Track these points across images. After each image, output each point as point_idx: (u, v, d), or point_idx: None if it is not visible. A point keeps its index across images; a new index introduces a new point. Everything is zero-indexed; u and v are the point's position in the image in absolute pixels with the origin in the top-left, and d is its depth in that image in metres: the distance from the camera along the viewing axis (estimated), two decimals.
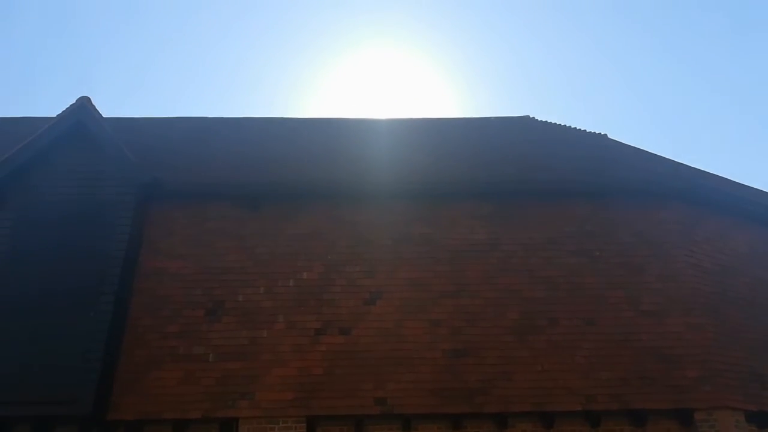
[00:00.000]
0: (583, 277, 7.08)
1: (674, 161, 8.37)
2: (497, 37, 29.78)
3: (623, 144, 9.19)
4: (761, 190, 7.91)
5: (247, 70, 30.29)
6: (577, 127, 9.80)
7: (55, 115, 7.98)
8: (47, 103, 28.72)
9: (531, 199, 7.52)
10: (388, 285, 6.95)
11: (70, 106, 7.86)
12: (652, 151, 8.78)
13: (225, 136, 9.49)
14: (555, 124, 10.20)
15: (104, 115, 8.11)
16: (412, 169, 8.02)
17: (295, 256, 7.12)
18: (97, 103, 8.82)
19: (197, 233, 7.24)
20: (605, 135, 9.43)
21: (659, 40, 28.56)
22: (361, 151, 8.83)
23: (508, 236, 7.30)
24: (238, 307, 6.79)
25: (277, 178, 7.73)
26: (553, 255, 7.20)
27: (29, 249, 6.96)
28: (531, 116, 10.58)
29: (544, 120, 10.40)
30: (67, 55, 29.56)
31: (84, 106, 7.79)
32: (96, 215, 7.18)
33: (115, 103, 29.26)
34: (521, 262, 7.14)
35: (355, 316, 6.77)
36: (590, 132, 9.64)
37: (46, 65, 28.60)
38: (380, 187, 7.51)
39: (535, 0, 27.99)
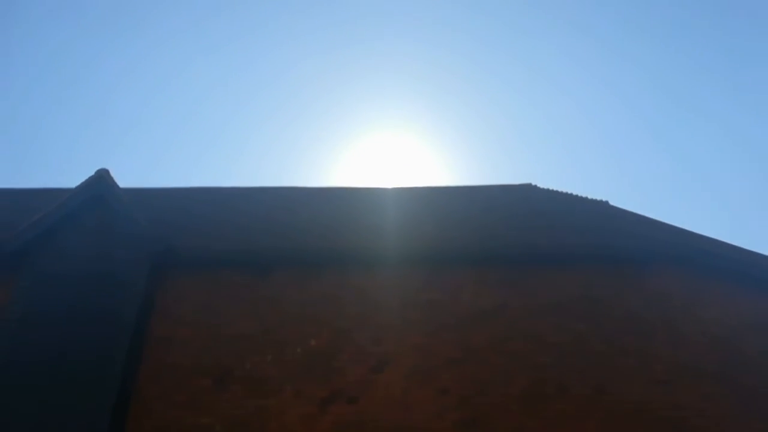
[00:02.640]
0: (592, 344, 7.06)
1: (677, 227, 8.52)
2: (496, 108, 30.80)
3: (625, 210, 9.38)
4: (766, 255, 7.98)
5: (257, 141, 31.27)
6: (578, 194, 10.03)
7: (74, 186, 8.31)
8: (70, 174, 29.56)
9: (536, 266, 7.62)
10: (396, 352, 6.95)
11: (89, 177, 8.19)
12: (653, 217, 8.94)
13: (237, 205, 9.76)
14: (557, 191, 10.45)
15: (123, 185, 8.44)
16: (418, 236, 8.20)
17: (304, 323, 7.17)
18: (117, 172, 9.17)
19: (208, 300, 7.34)
20: (606, 202, 9.64)
21: (658, 105, 29.44)
22: (368, 219, 9.05)
23: (514, 302, 7.35)
24: (246, 376, 6.78)
25: (286, 246, 7.91)
26: (560, 321, 7.21)
27: (43, 313, 7.07)
28: (533, 184, 10.85)
29: (546, 188, 10.66)
30: (90, 126, 30.69)
31: (102, 177, 8.12)
32: (110, 283, 7.33)
33: (135, 172, 30.05)
34: (528, 328, 7.15)
35: (363, 385, 6.73)
36: (592, 199, 9.86)
37: (67, 136, 29.67)
38: (387, 254, 7.65)
39: (529, 70, 29.16)
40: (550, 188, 10.61)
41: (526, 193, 10.49)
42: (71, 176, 31.04)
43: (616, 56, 28.79)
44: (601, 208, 9.52)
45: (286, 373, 6.82)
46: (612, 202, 9.76)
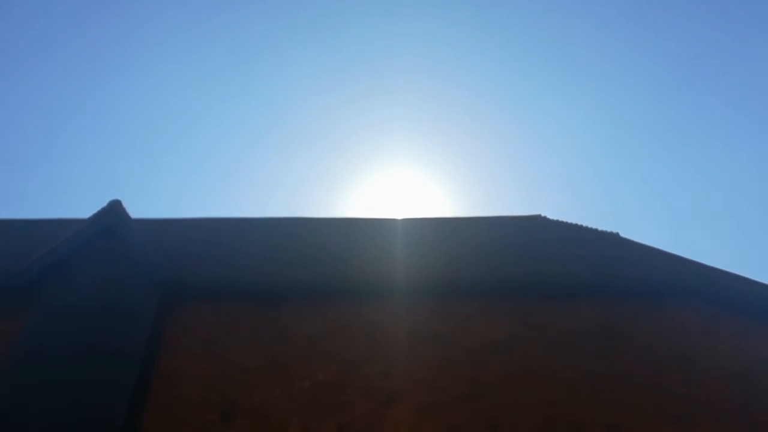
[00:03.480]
0: (605, 380, 6.91)
1: (690, 260, 8.42)
2: (504, 141, 30.94)
3: (636, 242, 9.30)
4: None
5: (267, 173, 31.54)
6: (588, 226, 9.98)
7: (87, 217, 8.40)
8: (83, 205, 29.91)
9: (548, 298, 7.54)
10: (405, 386, 6.84)
11: (102, 209, 8.29)
12: (664, 249, 8.85)
13: (246, 236, 9.80)
14: (567, 223, 10.40)
15: (135, 215, 8.52)
16: (427, 267, 8.16)
17: (312, 356, 7.10)
18: (129, 202, 9.29)
19: (216, 332, 7.31)
20: (617, 234, 9.57)
21: (670, 135, 29.43)
22: (378, 250, 9.03)
23: (525, 335, 7.25)
24: (253, 410, 6.70)
25: (295, 277, 7.89)
26: (572, 356, 7.09)
27: (51, 346, 7.06)
28: (542, 215, 10.82)
29: (555, 219, 10.62)
30: (104, 157, 31.16)
31: (114, 209, 8.21)
32: (119, 315, 7.34)
33: (147, 203, 30.34)
34: (539, 363, 7.03)
35: (371, 420, 6.61)
36: (602, 231, 9.79)
37: (80, 167, 30.11)
38: (397, 286, 7.61)
39: (537, 102, 29.35)
40: (560, 219, 10.57)
41: (536, 224, 10.45)
42: (84, 207, 31.39)
43: (628, 88, 28.96)
44: (612, 239, 9.45)
45: (293, 406, 6.73)
46: (622, 234, 9.68)
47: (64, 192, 29.29)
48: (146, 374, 6.96)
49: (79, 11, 28.03)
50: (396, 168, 29.74)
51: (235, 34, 29.89)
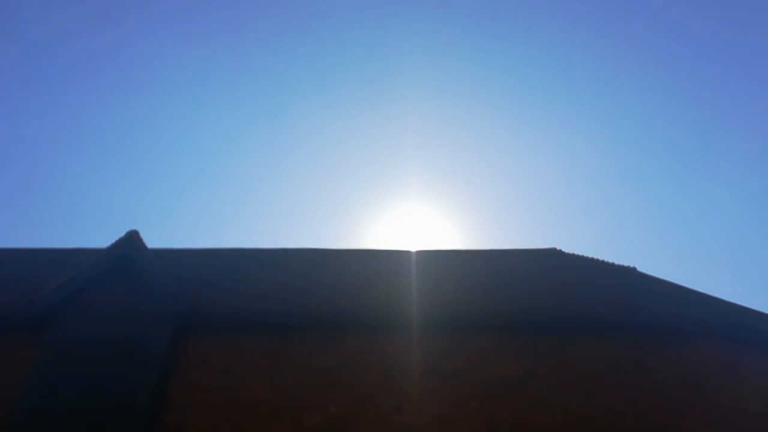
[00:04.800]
0: (623, 418, 6.73)
1: (709, 295, 8.26)
2: (517, 174, 30.99)
3: (653, 277, 9.16)
4: None
5: (284, 203, 31.86)
6: (604, 260, 9.87)
7: (104, 247, 8.52)
8: (101, 233, 30.40)
9: (563, 334, 7.42)
10: (418, 422, 6.72)
11: (119, 239, 8.41)
12: (683, 285, 8.70)
13: (260, 267, 9.84)
14: (582, 256, 10.31)
15: (152, 245, 8.62)
16: (441, 300, 8.10)
17: (324, 389, 7.03)
18: (145, 232, 9.43)
19: (228, 364, 7.29)
20: (634, 268, 9.45)
21: (689, 168, 29.24)
22: (392, 282, 9.00)
23: (540, 371, 7.11)
24: None
25: (309, 309, 7.88)
26: (589, 392, 6.93)
27: (65, 375, 7.08)
28: (558, 248, 10.73)
29: (571, 252, 10.52)
30: (122, 186, 31.78)
31: (131, 239, 8.32)
32: (133, 345, 7.36)
33: (164, 232, 30.72)
34: (555, 400, 6.88)
35: None
36: (618, 265, 9.68)
37: (98, 196, 30.70)
38: (409, 319, 7.55)
39: (552, 133, 29.46)
40: (576, 253, 10.48)
41: (552, 257, 10.37)
42: (103, 236, 31.85)
43: (647, 119, 29.00)
44: (630, 274, 9.32)
45: None
46: (639, 268, 9.55)
47: (82, 221, 29.79)
48: (158, 405, 6.93)
49: (96, 43, 29.03)
50: (410, 199, 29.86)
51: (254, 65, 30.64)
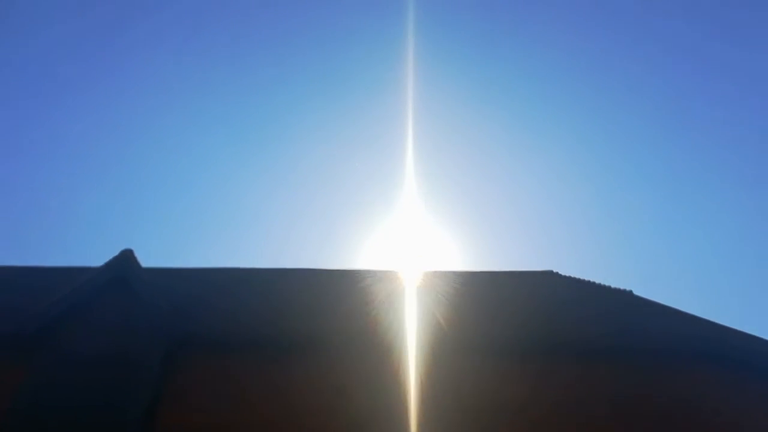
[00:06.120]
0: None
1: (706, 320, 8.23)
2: (512, 196, 31.13)
3: (650, 301, 9.14)
4: None
5: (281, 223, 31.85)
6: (601, 283, 9.85)
7: (99, 265, 8.46)
8: (96, 252, 30.25)
9: (559, 358, 7.36)
10: None
11: (113, 258, 8.35)
12: (680, 309, 8.69)
13: (256, 287, 9.77)
14: (579, 279, 10.29)
15: (147, 264, 8.56)
16: (435, 323, 8.04)
17: (321, 411, 6.93)
18: (141, 251, 9.37)
19: (223, 386, 7.19)
20: (630, 291, 9.43)
21: (686, 189, 29.43)
22: (387, 304, 8.95)
23: (537, 397, 7.04)
24: None
25: (304, 329, 7.81)
26: (586, 419, 6.85)
27: (58, 393, 6.97)
28: (554, 271, 10.72)
29: (567, 275, 10.51)
30: (116, 205, 31.72)
31: (126, 258, 8.26)
32: (126, 366, 7.27)
33: (159, 251, 30.58)
34: (552, 426, 6.79)
35: None
36: (615, 288, 9.66)
37: (93, 215, 30.61)
38: (405, 342, 7.49)
39: (550, 153, 29.67)
40: (572, 276, 10.47)
41: (548, 280, 10.35)
42: (96, 255, 31.67)
43: (645, 142, 29.26)
44: (626, 298, 9.30)
45: None
46: (636, 292, 9.55)
47: (76, 240, 29.63)
48: (150, 424, 6.81)
49: (88, 59, 29.17)
50: (405, 221, 29.89)
51: (249, 82, 30.83)
